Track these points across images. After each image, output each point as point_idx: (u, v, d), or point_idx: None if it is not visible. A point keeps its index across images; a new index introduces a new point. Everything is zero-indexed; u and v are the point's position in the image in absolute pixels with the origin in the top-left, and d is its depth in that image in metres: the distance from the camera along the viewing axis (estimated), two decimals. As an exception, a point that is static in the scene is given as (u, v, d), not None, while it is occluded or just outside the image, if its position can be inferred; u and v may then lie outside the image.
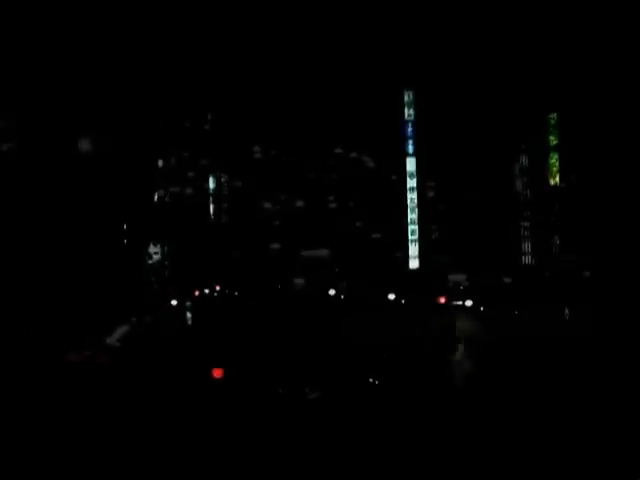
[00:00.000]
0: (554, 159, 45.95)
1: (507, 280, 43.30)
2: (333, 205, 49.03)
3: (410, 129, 45.68)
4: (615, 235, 39.52)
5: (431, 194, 47.87)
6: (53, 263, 32.92)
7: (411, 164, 45.70)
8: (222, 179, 47.39)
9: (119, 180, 36.85)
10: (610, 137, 40.41)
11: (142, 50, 38.76)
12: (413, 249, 45.47)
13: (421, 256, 45.43)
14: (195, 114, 47.14)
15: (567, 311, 36.21)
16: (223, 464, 17.67)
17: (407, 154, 45.74)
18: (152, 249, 29.50)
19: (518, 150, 46.67)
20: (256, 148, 49.43)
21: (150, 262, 30.06)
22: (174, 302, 39.41)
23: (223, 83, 44.10)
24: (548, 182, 46.12)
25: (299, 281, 45.08)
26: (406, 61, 43.07)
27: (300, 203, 48.32)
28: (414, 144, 45.66)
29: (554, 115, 45.19)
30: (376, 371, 25.86)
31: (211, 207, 47.08)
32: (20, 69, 34.90)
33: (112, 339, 28.91)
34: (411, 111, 45.61)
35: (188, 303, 38.60)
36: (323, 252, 46.13)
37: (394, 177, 48.11)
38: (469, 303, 41.45)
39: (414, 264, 45.46)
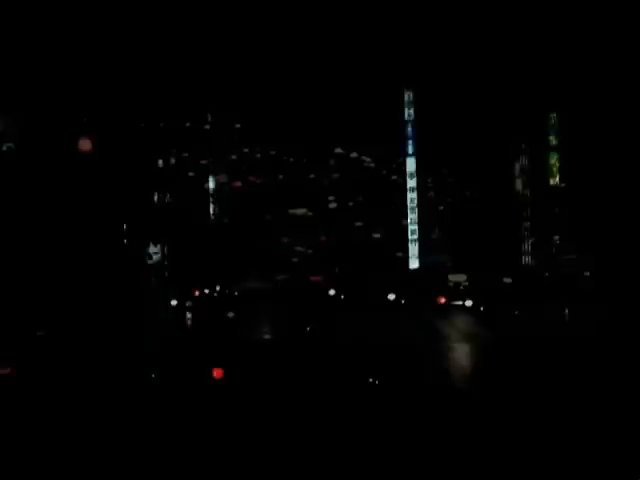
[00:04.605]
0: (554, 159, 46.02)
1: (507, 280, 43.32)
2: (333, 205, 49.08)
3: (410, 129, 45.73)
4: (615, 235, 39.54)
5: (431, 194, 47.94)
6: (53, 263, 32.92)
7: (411, 164, 45.73)
8: (222, 179, 47.42)
9: (119, 180, 36.86)
10: (610, 137, 40.44)
11: (142, 51, 38.75)
12: (413, 249, 45.49)
13: (421, 256, 45.45)
14: (195, 114, 47.17)
15: (567, 311, 36.24)
16: (223, 464, 17.67)
17: (407, 154, 45.78)
18: (152, 249, 29.49)
19: (518, 150, 46.73)
20: (256, 148, 49.49)
21: (150, 262, 30.06)
22: (174, 302, 39.39)
23: (223, 83, 44.12)
24: (548, 182, 46.19)
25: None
26: (406, 61, 43.10)
27: (299, 203, 48.41)
28: (414, 144, 45.70)
29: (554, 115, 45.28)
30: (376, 371, 25.86)
31: (211, 207, 47.10)
32: (20, 70, 34.90)
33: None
34: (411, 111, 45.66)
35: (188, 303, 38.62)
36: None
37: (394, 177, 48.18)
38: (469, 303, 41.47)
39: (414, 264, 45.48)
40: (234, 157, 48.90)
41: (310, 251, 46.94)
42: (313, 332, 33.70)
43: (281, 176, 49.15)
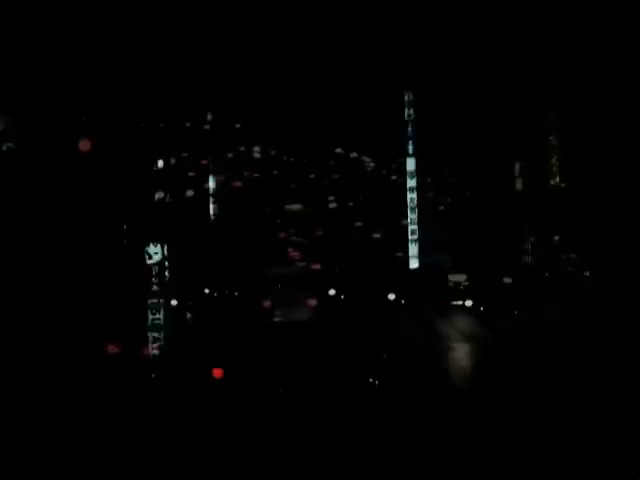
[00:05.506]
0: (554, 159, 46.00)
1: (507, 280, 43.29)
2: (333, 205, 49.03)
3: (410, 129, 45.69)
4: (615, 235, 39.53)
5: (431, 194, 47.90)
6: (53, 262, 32.93)
7: (411, 164, 45.69)
8: (222, 179, 47.37)
9: (119, 180, 36.86)
10: (610, 137, 40.45)
11: (142, 51, 38.77)
12: (413, 249, 45.46)
13: (421, 256, 45.40)
14: (195, 114, 47.13)
15: (567, 311, 36.22)
16: (223, 463, 17.67)
17: (407, 154, 45.74)
18: (152, 249, 29.46)
19: (518, 150, 46.71)
20: (256, 148, 49.46)
21: (150, 262, 30.05)
22: (174, 302, 39.31)
23: (223, 83, 44.10)
24: (548, 182, 46.18)
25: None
26: (406, 61, 43.09)
27: (298, 201, 48.39)
28: (414, 144, 45.65)
29: (554, 115, 45.26)
30: (376, 371, 25.87)
31: (211, 207, 47.05)
32: (20, 70, 34.91)
33: None
34: (411, 111, 45.61)
35: (189, 303, 38.54)
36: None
37: (394, 177, 48.15)
38: (469, 303, 41.46)
39: (414, 264, 45.45)
40: (234, 157, 48.87)
41: (308, 246, 46.97)
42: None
43: (280, 174, 49.12)
